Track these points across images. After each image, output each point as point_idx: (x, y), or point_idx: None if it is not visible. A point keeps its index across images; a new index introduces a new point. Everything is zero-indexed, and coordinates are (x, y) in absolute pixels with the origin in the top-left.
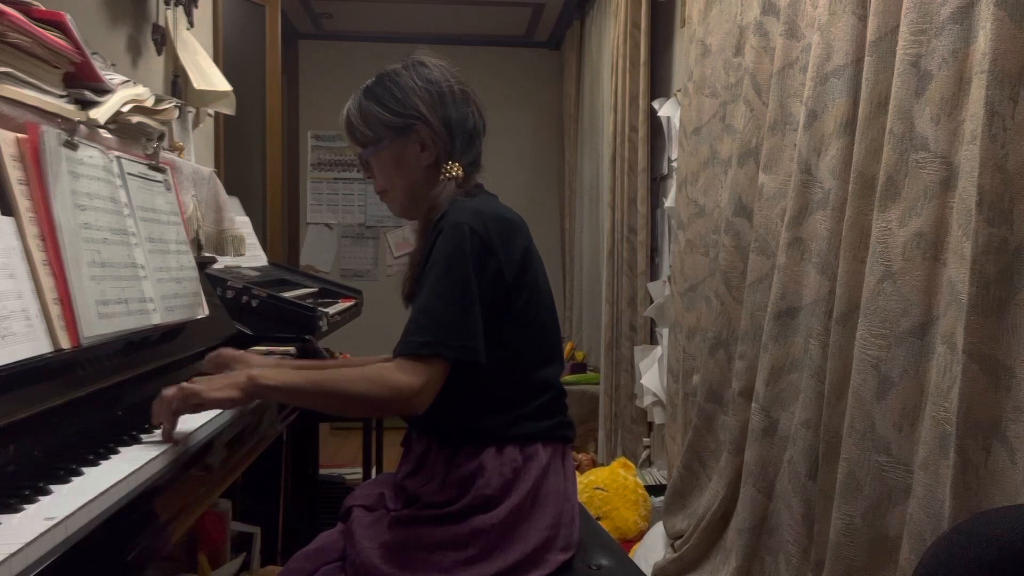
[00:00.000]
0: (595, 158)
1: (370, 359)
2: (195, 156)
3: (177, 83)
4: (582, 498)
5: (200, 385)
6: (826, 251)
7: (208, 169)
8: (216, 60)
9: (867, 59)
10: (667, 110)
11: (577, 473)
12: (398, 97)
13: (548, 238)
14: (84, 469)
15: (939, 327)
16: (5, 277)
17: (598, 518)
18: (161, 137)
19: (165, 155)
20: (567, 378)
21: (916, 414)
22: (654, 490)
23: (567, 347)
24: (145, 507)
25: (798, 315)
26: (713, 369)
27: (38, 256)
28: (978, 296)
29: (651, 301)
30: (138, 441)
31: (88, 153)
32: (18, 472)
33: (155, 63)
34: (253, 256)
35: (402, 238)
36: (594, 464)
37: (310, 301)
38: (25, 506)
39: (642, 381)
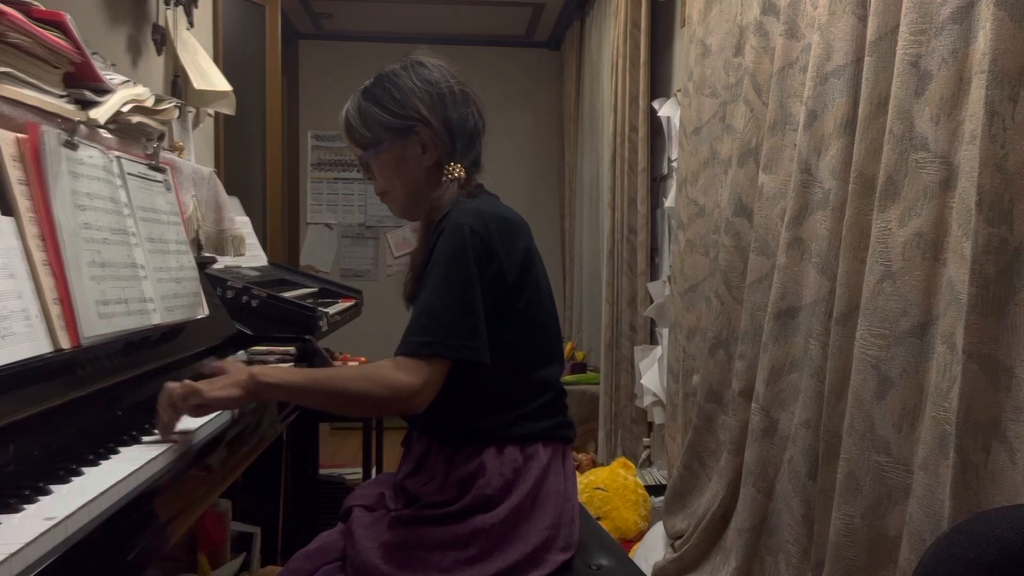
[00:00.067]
0: (595, 158)
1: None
2: (195, 156)
3: (177, 83)
4: (582, 498)
5: (201, 384)
6: (826, 251)
7: (208, 169)
8: (216, 60)
9: (867, 59)
10: (667, 110)
11: (577, 473)
12: (398, 98)
13: (548, 238)
14: (84, 469)
15: (939, 327)
16: (5, 277)
17: (598, 518)
18: (161, 137)
19: (165, 155)
20: (567, 378)
21: (916, 414)
22: (654, 490)
23: (567, 347)
24: (145, 507)
25: (798, 315)
26: (713, 369)
27: (38, 256)
28: (978, 296)
29: (651, 301)
30: (138, 441)
31: (88, 153)
32: (18, 472)
33: (155, 63)
34: (253, 256)
35: (402, 238)
36: (594, 464)
37: (310, 301)
38: (25, 506)
39: (642, 381)
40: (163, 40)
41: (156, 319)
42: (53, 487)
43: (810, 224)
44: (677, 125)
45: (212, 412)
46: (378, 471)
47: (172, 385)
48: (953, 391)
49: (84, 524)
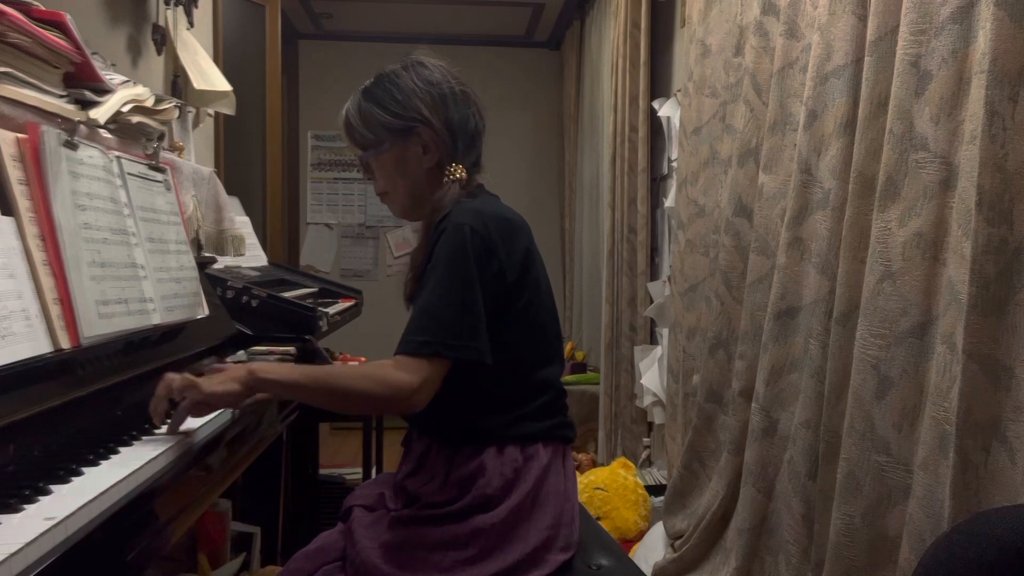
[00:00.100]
0: (595, 158)
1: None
2: (195, 156)
3: (177, 83)
4: (582, 498)
5: (200, 379)
6: (826, 251)
7: (208, 169)
8: (216, 60)
9: (867, 59)
10: (667, 110)
11: (577, 473)
12: (398, 99)
13: (548, 238)
14: (84, 469)
15: (939, 327)
16: (5, 277)
17: (598, 518)
18: (161, 137)
19: (165, 155)
20: (567, 378)
21: (916, 414)
22: (654, 490)
23: (567, 347)
24: (145, 507)
25: (798, 315)
26: (713, 369)
27: (38, 256)
28: (978, 296)
29: (651, 301)
30: (138, 441)
31: (88, 153)
32: (18, 472)
33: (155, 63)
34: (253, 256)
35: (402, 238)
36: (594, 464)
37: (310, 301)
38: (25, 506)
39: (642, 381)
40: (163, 40)
41: (156, 319)
42: (53, 487)
43: (810, 224)
44: (677, 125)
45: (212, 410)
46: (378, 471)
47: (172, 375)
48: (953, 391)
49: (84, 524)
